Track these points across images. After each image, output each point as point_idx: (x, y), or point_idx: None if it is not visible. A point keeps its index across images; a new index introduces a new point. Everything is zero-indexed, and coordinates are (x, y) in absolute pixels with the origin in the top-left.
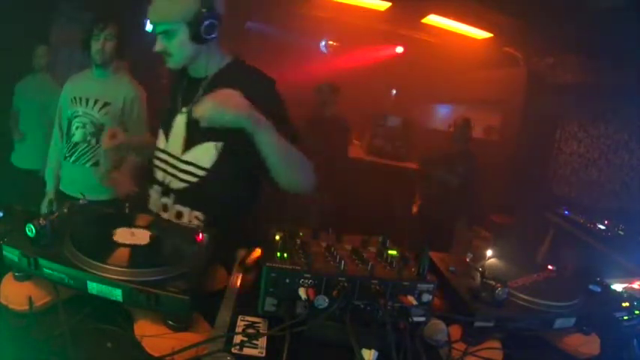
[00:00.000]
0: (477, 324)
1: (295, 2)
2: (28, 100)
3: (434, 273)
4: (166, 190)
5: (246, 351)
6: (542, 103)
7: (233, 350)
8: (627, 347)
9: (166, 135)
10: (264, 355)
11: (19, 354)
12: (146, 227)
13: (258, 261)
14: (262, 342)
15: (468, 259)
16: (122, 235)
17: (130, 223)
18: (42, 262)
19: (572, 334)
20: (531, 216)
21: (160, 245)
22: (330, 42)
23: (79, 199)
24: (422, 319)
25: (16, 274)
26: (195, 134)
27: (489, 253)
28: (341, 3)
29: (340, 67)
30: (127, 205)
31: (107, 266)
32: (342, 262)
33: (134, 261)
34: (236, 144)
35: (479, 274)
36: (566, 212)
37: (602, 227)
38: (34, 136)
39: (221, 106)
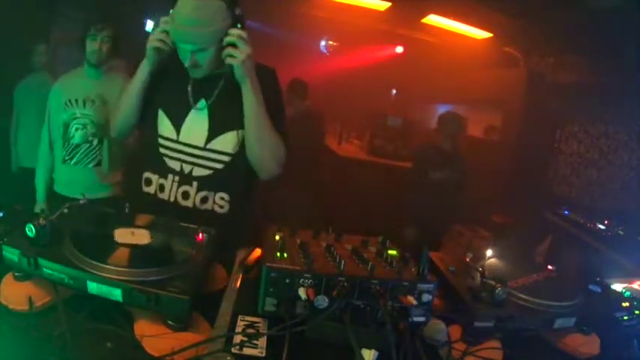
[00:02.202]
0: (477, 324)
1: (295, 2)
2: (28, 99)
3: (434, 273)
4: (187, 179)
5: (246, 351)
6: (542, 103)
7: (233, 350)
8: (627, 347)
9: (176, 125)
10: (264, 355)
11: (19, 354)
12: (146, 227)
13: (258, 261)
14: (262, 342)
15: (468, 259)
16: (122, 235)
17: (130, 223)
18: (42, 262)
19: (572, 334)
20: (531, 216)
21: (159, 245)
22: (330, 42)
23: (78, 200)
24: (422, 319)
25: (16, 274)
26: (220, 125)
27: (489, 253)
28: (341, 3)
29: (340, 67)
30: (127, 205)
31: (107, 266)
32: (342, 262)
33: (134, 261)
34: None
35: (479, 274)
36: (566, 212)
37: (602, 227)
38: (35, 134)
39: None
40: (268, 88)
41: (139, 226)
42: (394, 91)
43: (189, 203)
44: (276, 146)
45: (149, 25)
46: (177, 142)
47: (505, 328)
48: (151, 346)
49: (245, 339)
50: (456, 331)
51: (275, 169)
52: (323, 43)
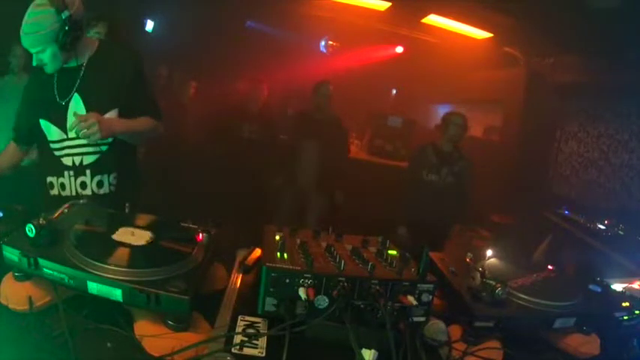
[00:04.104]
0: (477, 324)
1: (295, 2)
2: (4, 101)
3: (434, 273)
4: (80, 169)
5: (246, 351)
6: (542, 103)
7: (233, 350)
8: (627, 347)
9: (61, 126)
10: (264, 355)
11: (19, 354)
12: (146, 227)
13: (258, 261)
14: (262, 342)
15: (468, 259)
16: (122, 235)
17: (130, 223)
18: (42, 262)
19: (572, 334)
20: (531, 216)
21: (160, 245)
22: (330, 42)
23: (79, 199)
24: (422, 319)
25: (16, 274)
26: (95, 109)
27: (489, 253)
28: (341, 3)
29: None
30: (127, 205)
31: (107, 266)
32: (342, 262)
33: (134, 261)
34: (125, 109)
35: (479, 274)
36: (566, 212)
37: (602, 227)
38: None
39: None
40: (126, 74)
41: (139, 226)
42: (394, 91)
43: (88, 192)
44: (152, 131)
45: (149, 25)
46: (66, 139)
47: (505, 328)
48: (151, 346)
49: (245, 339)
50: (456, 331)
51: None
52: (323, 43)
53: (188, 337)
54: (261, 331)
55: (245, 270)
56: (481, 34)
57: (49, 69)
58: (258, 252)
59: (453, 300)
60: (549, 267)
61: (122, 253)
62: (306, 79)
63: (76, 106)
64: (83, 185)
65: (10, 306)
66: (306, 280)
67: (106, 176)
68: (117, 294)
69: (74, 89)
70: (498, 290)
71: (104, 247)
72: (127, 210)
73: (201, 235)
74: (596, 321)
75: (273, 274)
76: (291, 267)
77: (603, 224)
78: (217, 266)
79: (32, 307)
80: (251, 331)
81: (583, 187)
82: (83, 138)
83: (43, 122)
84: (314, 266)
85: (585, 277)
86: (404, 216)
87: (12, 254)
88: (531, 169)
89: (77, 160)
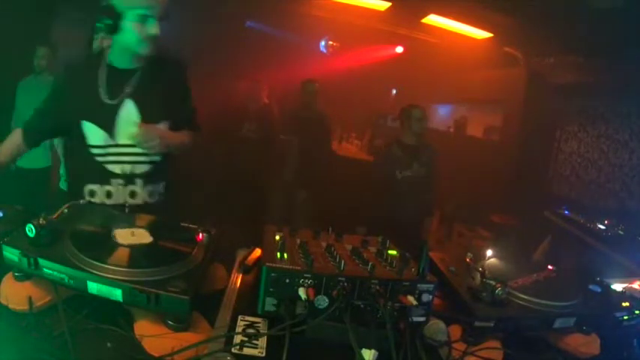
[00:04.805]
0: (477, 324)
1: (295, 2)
2: (29, 100)
3: (434, 273)
4: (131, 178)
5: (246, 351)
6: (542, 103)
7: (233, 350)
8: (627, 347)
9: (107, 130)
10: (264, 355)
11: (19, 354)
12: (146, 227)
13: (258, 261)
14: (262, 342)
15: (468, 259)
16: (122, 235)
17: (130, 223)
18: (42, 262)
19: (572, 334)
20: (531, 216)
21: (159, 245)
22: (330, 42)
23: (79, 199)
24: (422, 319)
25: (16, 274)
26: (150, 118)
27: (489, 253)
28: (341, 3)
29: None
30: (127, 205)
31: (107, 266)
32: (342, 262)
33: (134, 261)
34: (176, 121)
35: (479, 274)
36: (566, 212)
37: (602, 227)
38: None
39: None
40: (176, 86)
41: (139, 226)
42: (394, 91)
43: (138, 200)
44: (191, 144)
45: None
46: (113, 145)
47: (505, 328)
48: (151, 346)
49: (245, 339)
50: (456, 331)
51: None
52: (323, 43)
53: (188, 337)
54: (261, 331)
55: (245, 270)
56: (481, 34)
57: (155, 47)
58: (258, 252)
59: (453, 300)
60: (549, 267)
61: (122, 253)
62: (306, 79)
63: (129, 112)
64: (133, 194)
65: (10, 306)
66: (306, 280)
67: (157, 185)
68: (117, 294)
69: (126, 93)
70: (498, 290)
71: (104, 247)
72: (126, 210)
73: (201, 235)
74: (596, 321)
75: (273, 274)
76: (291, 267)
77: (603, 224)
78: (217, 266)
79: (32, 307)
80: (251, 331)
81: (583, 187)
82: (142, 149)
83: (85, 124)
84: (314, 266)
85: (585, 277)
86: (384, 216)
87: (12, 254)
88: (531, 169)
89: (127, 168)
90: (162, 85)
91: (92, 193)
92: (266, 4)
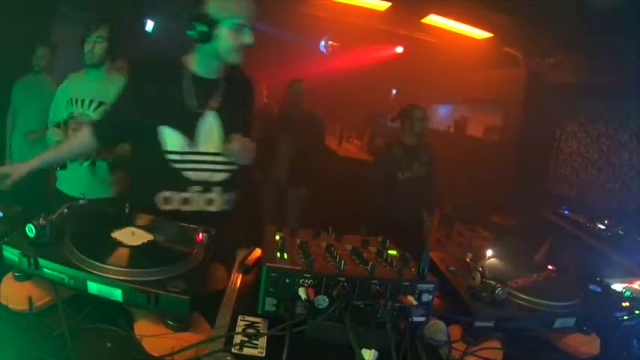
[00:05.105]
0: (477, 324)
1: (295, 2)
2: (27, 99)
3: (434, 273)
4: (208, 186)
5: (246, 351)
6: (542, 103)
7: (233, 350)
8: (627, 347)
9: (188, 136)
10: (264, 355)
11: (19, 354)
12: (146, 227)
13: (258, 261)
14: (262, 342)
15: (468, 259)
16: (122, 235)
17: (130, 223)
18: (42, 262)
19: (572, 334)
20: (531, 216)
21: (160, 245)
22: (330, 42)
23: (78, 199)
24: (422, 319)
25: (16, 274)
26: (230, 128)
27: (489, 253)
28: (341, 3)
29: (340, 67)
30: (127, 205)
31: (107, 266)
32: (342, 262)
33: (134, 261)
34: (245, 134)
35: (479, 274)
36: (566, 212)
37: (602, 227)
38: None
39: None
40: (249, 101)
41: (139, 226)
42: (394, 91)
43: (213, 208)
44: None
45: (149, 25)
46: (191, 152)
47: (505, 328)
48: (151, 346)
49: (245, 339)
50: (456, 331)
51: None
52: (323, 43)
53: (188, 337)
54: (261, 331)
55: (245, 270)
56: (481, 34)
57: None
58: (258, 252)
59: (453, 300)
60: (549, 267)
61: (122, 253)
62: (307, 79)
63: (212, 122)
64: (210, 202)
65: (10, 306)
66: (306, 280)
67: (232, 194)
68: (117, 294)
69: (211, 103)
70: (498, 290)
71: (104, 247)
72: (127, 210)
73: (201, 235)
74: (596, 321)
75: (273, 274)
76: (291, 267)
77: (603, 224)
78: (217, 266)
79: (32, 307)
80: (251, 331)
81: (583, 187)
82: (229, 159)
83: (165, 129)
84: (314, 266)
85: (585, 277)
86: (384, 216)
87: (12, 254)
88: (531, 169)
89: (205, 175)
90: (240, 98)
91: (167, 200)
92: (266, 4)
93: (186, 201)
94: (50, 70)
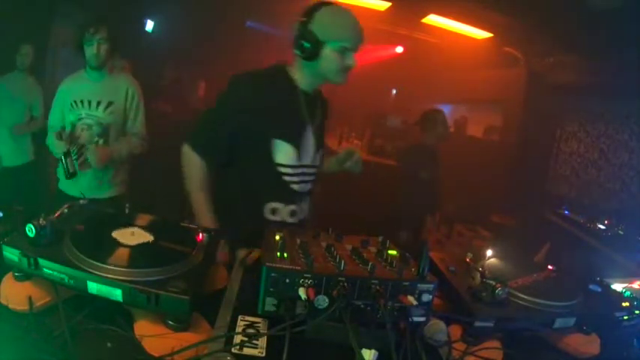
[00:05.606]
0: (477, 324)
1: (295, 2)
2: (9, 96)
3: (434, 273)
4: (304, 197)
5: (246, 351)
6: (542, 103)
7: (233, 350)
8: (627, 347)
9: (296, 149)
10: (264, 355)
11: (19, 354)
12: (146, 227)
13: (258, 261)
14: (262, 342)
15: (468, 259)
16: (122, 235)
17: (130, 223)
18: (42, 262)
19: (572, 334)
20: (531, 216)
21: (160, 245)
22: None
23: (79, 199)
24: (422, 319)
25: (16, 274)
26: (320, 140)
27: (489, 253)
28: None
29: None
30: (127, 205)
31: (107, 266)
32: (342, 262)
33: (134, 261)
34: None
35: (479, 274)
36: (566, 212)
37: (602, 227)
38: (9, 134)
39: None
40: (326, 117)
41: (139, 226)
42: (394, 91)
43: (302, 216)
44: None
45: (149, 25)
46: (299, 166)
47: (505, 328)
48: (151, 346)
49: (245, 339)
50: (456, 331)
51: None
52: None
53: (188, 337)
54: (261, 331)
55: (245, 270)
56: (481, 34)
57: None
58: (258, 252)
59: (453, 300)
60: (549, 267)
61: (122, 253)
62: None
63: (310, 136)
64: (293, 213)
65: (10, 306)
66: (306, 280)
67: (307, 203)
68: (117, 294)
69: (314, 117)
70: (498, 290)
71: (104, 247)
72: (127, 210)
73: (201, 235)
74: (596, 321)
75: (273, 274)
76: (291, 267)
77: (603, 224)
78: (217, 266)
79: (32, 307)
80: (251, 331)
81: (583, 187)
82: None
83: (279, 142)
84: (314, 266)
85: (585, 277)
86: (409, 217)
87: (12, 254)
88: (531, 169)
89: (306, 187)
90: (324, 114)
91: (274, 211)
92: (266, 4)
93: (293, 213)
94: (33, 69)
